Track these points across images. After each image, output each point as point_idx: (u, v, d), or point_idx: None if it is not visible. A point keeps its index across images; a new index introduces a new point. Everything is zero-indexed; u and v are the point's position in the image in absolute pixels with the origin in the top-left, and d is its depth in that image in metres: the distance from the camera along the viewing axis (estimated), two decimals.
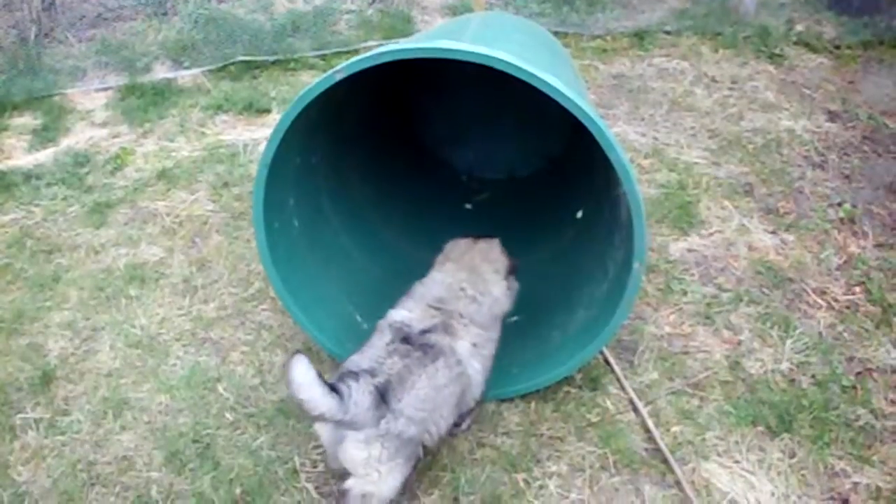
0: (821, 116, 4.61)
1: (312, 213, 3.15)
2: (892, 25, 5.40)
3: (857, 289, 3.41)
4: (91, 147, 4.59)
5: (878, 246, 3.64)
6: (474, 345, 2.50)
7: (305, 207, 3.05)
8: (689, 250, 3.63)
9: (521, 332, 2.92)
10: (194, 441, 2.80)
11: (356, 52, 5.21)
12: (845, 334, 3.19)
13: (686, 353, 3.11)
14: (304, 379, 2.05)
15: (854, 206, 3.86)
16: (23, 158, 4.54)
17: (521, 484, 2.63)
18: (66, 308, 3.44)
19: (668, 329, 3.21)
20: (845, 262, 3.55)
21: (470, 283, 2.61)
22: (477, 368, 2.50)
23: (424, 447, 2.37)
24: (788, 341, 3.14)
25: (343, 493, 2.24)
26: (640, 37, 5.50)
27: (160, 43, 5.61)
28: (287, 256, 2.87)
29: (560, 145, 3.96)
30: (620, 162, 2.33)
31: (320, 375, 2.08)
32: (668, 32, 5.55)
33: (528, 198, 3.92)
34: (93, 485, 2.68)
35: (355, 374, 2.20)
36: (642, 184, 4.01)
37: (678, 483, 2.60)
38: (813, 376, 3.00)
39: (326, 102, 2.52)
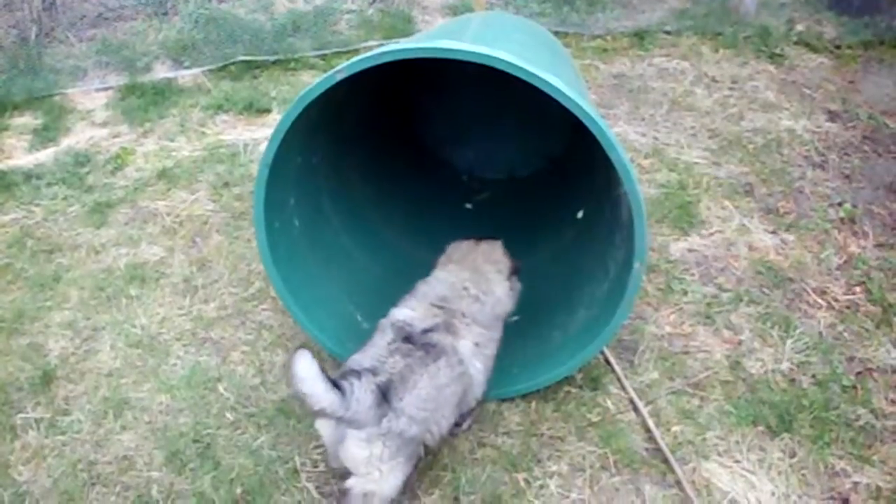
0: (821, 116, 4.61)
1: (313, 212, 3.15)
2: (892, 25, 5.41)
3: (858, 289, 3.41)
4: (91, 147, 4.59)
5: (879, 246, 3.64)
6: (476, 344, 2.50)
7: (306, 207, 3.05)
8: (690, 250, 3.63)
9: (521, 331, 2.92)
10: (195, 441, 2.80)
11: (356, 52, 5.21)
12: (845, 334, 3.19)
13: (686, 352, 3.11)
14: (308, 373, 2.06)
15: (854, 206, 3.87)
16: (23, 158, 4.54)
17: (522, 483, 2.63)
18: (66, 308, 3.44)
19: (668, 329, 3.22)
20: (845, 261, 3.55)
21: (473, 282, 2.62)
22: (479, 368, 2.50)
23: (425, 446, 2.37)
24: (789, 341, 3.14)
25: (344, 492, 2.24)
26: (640, 37, 5.50)
27: (160, 43, 5.61)
28: (288, 256, 2.87)
29: (561, 145, 3.96)
30: (621, 162, 2.33)
31: (323, 370, 2.09)
32: (668, 32, 5.55)
33: (529, 198, 3.92)
34: (93, 484, 2.68)
35: (357, 373, 2.20)
36: (642, 183, 4.01)
37: (678, 483, 2.60)
38: (813, 376, 3.00)
39: (327, 102, 2.52)
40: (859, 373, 3.02)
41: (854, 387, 2.95)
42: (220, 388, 3.01)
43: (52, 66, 5.38)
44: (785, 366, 3.04)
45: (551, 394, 2.90)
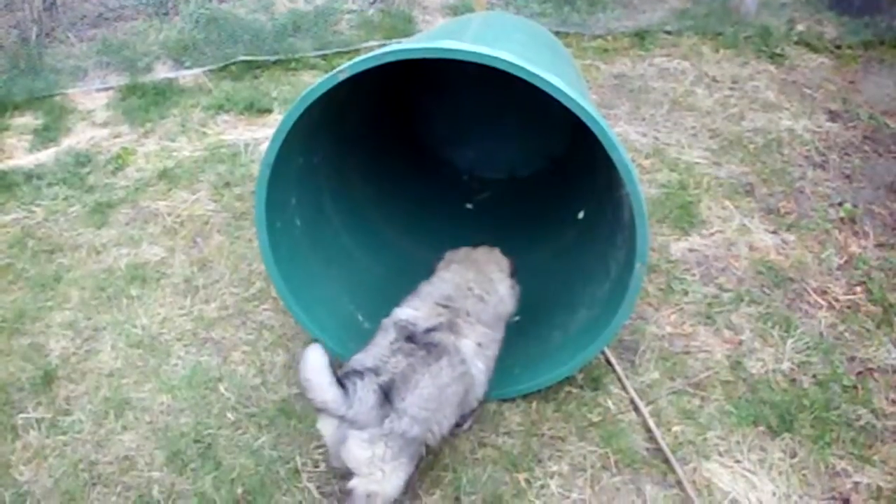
0: (822, 116, 4.61)
1: (314, 212, 3.15)
2: (892, 25, 5.41)
3: (858, 288, 3.41)
4: (92, 147, 4.59)
5: (879, 246, 3.64)
6: (479, 344, 2.50)
7: (307, 207, 3.05)
8: (690, 250, 3.63)
9: (522, 331, 2.92)
10: (196, 441, 2.81)
11: (357, 52, 5.22)
12: (846, 334, 3.19)
13: (687, 352, 3.11)
14: (316, 364, 2.09)
15: (855, 206, 3.87)
16: (24, 158, 4.54)
17: (523, 483, 2.63)
18: (67, 308, 3.44)
19: (669, 329, 3.22)
20: (846, 261, 3.55)
21: (477, 282, 2.63)
22: (481, 368, 2.50)
23: (426, 446, 2.38)
24: (789, 341, 3.15)
25: (347, 493, 2.24)
26: (640, 37, 5.50)
27: (161, 43, 5.61)
28: (289, 256, 2.87)
29: (562, 145, 3.96)
30: (623, 162, 2.33)
31: (332, 366, 2.11)
32: (668, 32, 5.55)
33: (530, 198, 3.92)
34: (94, 485, 2.68)
35: (360, 373, 2.21)
36: (643, 184, 4.01)
37: (679, 483, 2.61)
38: (814, 376, 3.00)
39: (329, 102, 2.52)
40: (860, 373, 3.02)
41: (855, 387, 2.96)
42: (221, 388, 3.01)
43: (52, 67, 5.38)
44: (786, 366, 3.04)
45: (552, 394, 2.91)
